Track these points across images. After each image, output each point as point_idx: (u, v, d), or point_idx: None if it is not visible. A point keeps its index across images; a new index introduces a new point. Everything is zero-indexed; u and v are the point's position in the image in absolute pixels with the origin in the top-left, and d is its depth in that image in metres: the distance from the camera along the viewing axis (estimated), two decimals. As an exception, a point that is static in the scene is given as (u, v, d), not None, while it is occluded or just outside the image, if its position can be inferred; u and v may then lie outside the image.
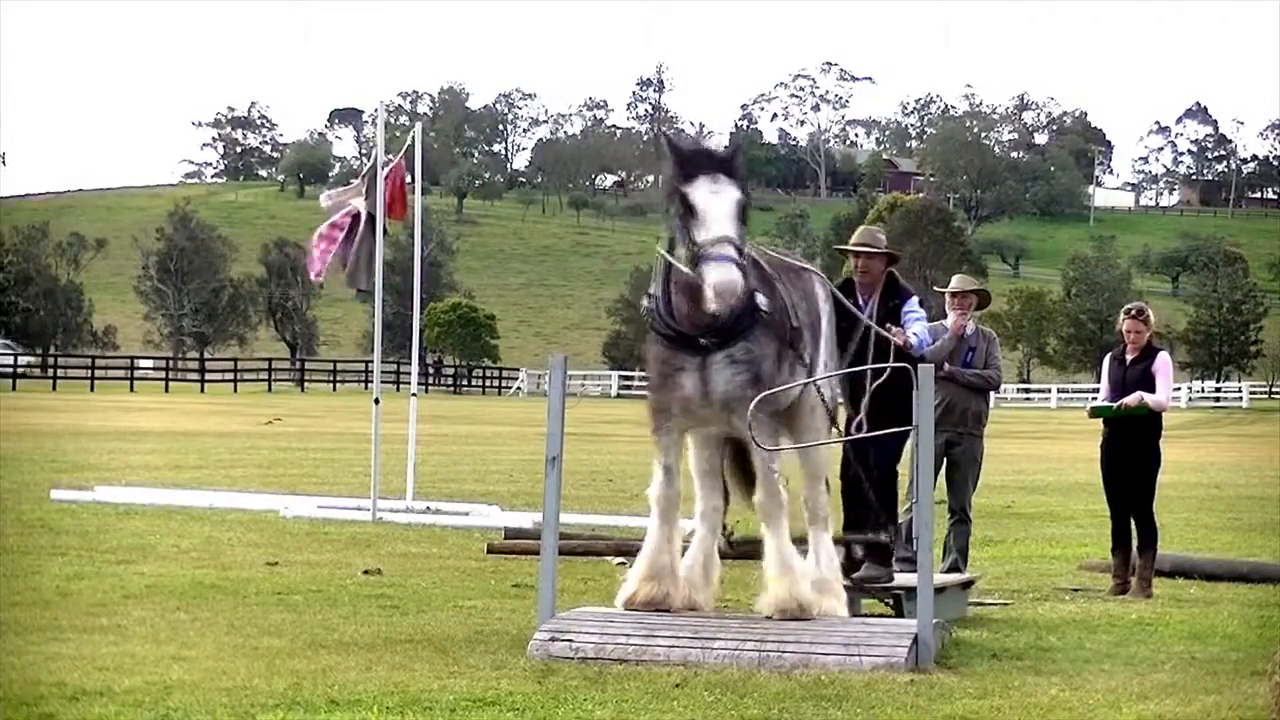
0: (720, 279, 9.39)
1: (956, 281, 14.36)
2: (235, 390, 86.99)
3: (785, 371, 10.19)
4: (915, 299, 11.77)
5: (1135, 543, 13.92)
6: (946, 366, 13.85)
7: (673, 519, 10.29)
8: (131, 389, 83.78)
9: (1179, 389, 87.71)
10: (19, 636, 9.84)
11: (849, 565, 11.48)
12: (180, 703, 8.03)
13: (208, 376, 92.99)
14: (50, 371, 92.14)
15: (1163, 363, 13.85)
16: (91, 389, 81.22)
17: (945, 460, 13.93)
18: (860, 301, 11.64)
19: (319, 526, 17.62)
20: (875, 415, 11.16)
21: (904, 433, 10.76)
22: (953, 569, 13.94)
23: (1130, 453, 13.82)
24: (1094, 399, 14.93)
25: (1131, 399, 13.79)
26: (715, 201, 9.68)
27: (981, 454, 14.17)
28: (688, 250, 9.64)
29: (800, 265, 11.07)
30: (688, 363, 9.91)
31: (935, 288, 15.16)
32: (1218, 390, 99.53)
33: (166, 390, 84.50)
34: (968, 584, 12.59)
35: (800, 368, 10.34)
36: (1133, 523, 13.90)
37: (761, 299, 9.97)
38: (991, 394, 14.42)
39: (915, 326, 11.57)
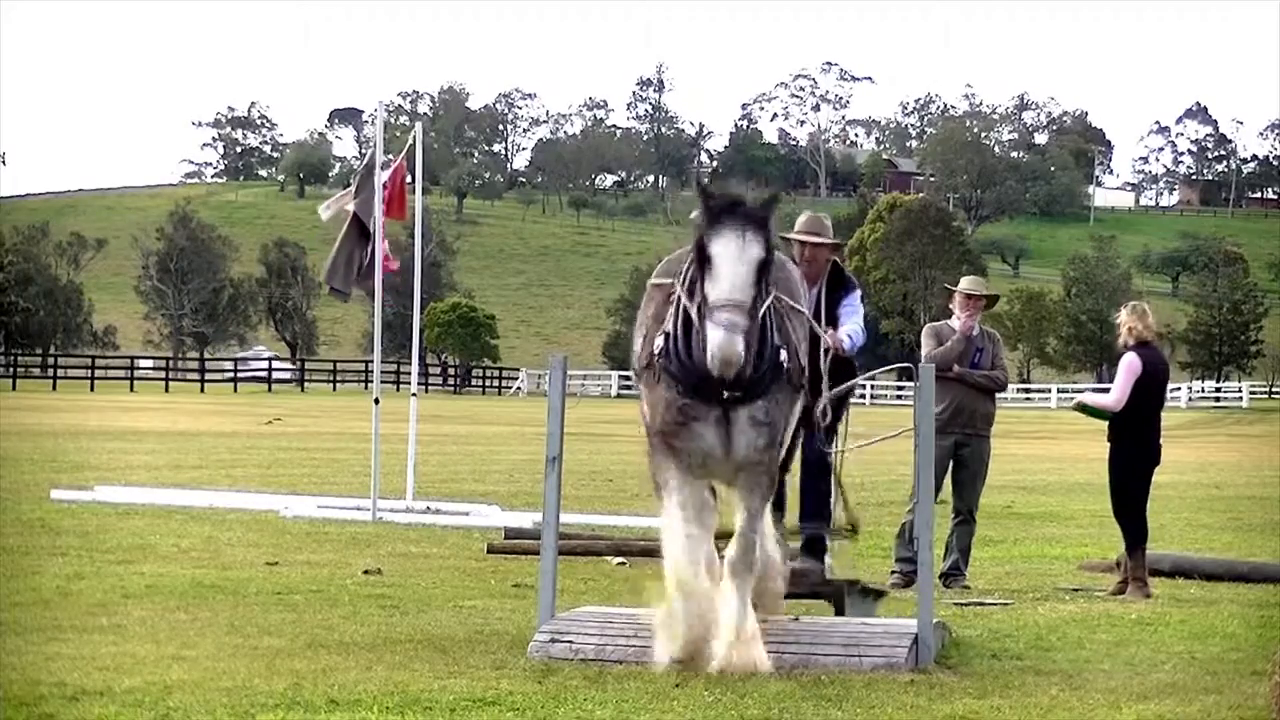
0: (720, 346, 8.98)
1: (968, 283, 14.43)
2: (235, 390, 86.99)
3: (793, 421, 9.97)
4: (858, 292, 11.50)
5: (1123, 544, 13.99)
6: (955, 368, 13.89)
7: (704, 594, 9.55)
8: (131, 389, 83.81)
9: (1178, 389, 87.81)
10: (19, 636, 9.84)
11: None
12: (180, 703, 8.03)
13: (208, 377, 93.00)
14: (50, 371, 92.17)
15: (1122, 364, 13.88)
16: (91, 389, 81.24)
17: (952, 461, 13.98)
18: (804, 290, 11.04)
19: (319, 526, 17.61)
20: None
21: (835, 425, 10.88)
22: (954, 569, 13.96)
23: (1115, 450, 13.93)
24: None
25: (1077, 399, 14.34)
26: (733, 258, 9.19)
27: (989, 455, 14.24)
28: (700, 303, 9.23)
29: (783, 261, 10.51)
30: (707, 414, 9.41)
31: (946, 285, 15.13)
32: (1218, 390, 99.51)
33: (166, 390, 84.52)
34: (878, 594, 11.86)
35: (800, 403, 10.08)
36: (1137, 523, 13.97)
37: (785, 356, 9.58)
38: (997, 394, 14.46)
39: (850, 325, 11.19)
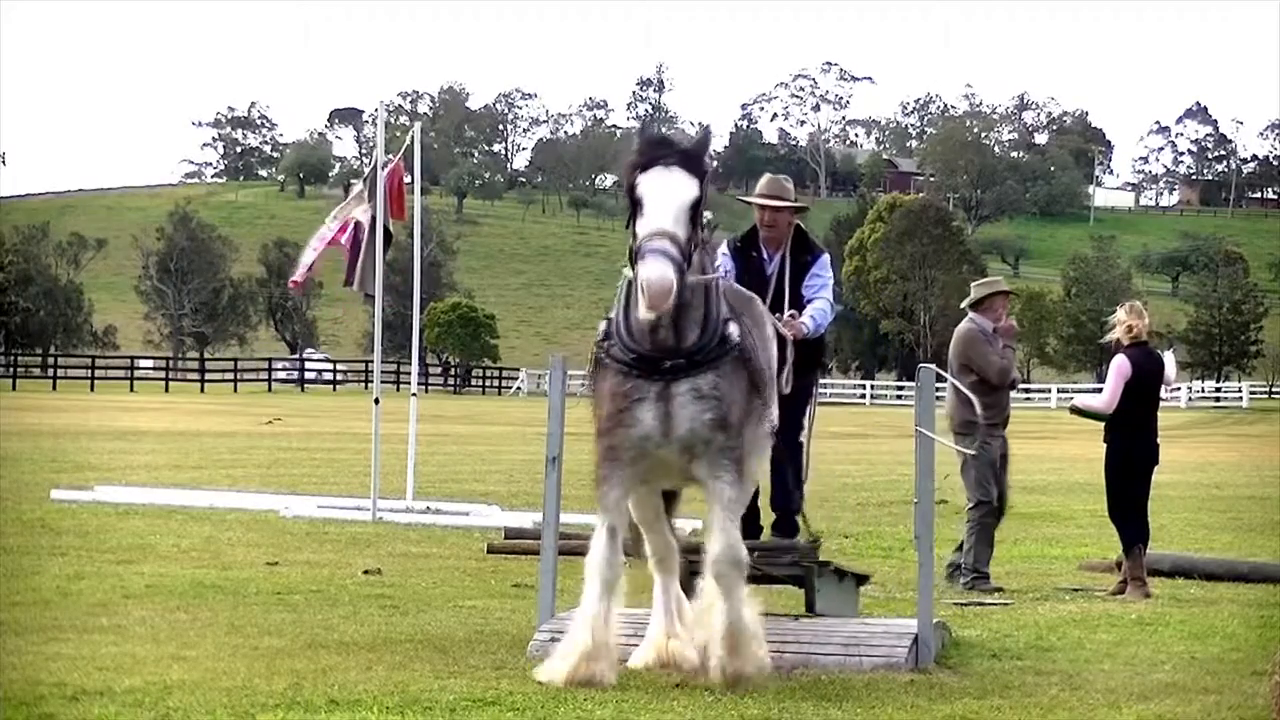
0: (649, 275, 8.36)
1: (991, 282, 14.56)
2: (235, 390, 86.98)
3: (754, 423, 9.12)
4: (825, 256, 10.94)
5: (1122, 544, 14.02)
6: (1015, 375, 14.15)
7: (614, 593, 8.88)
8: (131, 389, 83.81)
9: (1178, 389, 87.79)
10: (19, 636, 9.83)
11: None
12: (180, 703, 8.03)
13: (208, 376, 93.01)
14: (50, 371, 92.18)
15: (1112, 365, 13.92)
16: (91, 389, 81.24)
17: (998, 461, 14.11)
18: (765, 255, 10.82)
19: (319, 526, 17.61)
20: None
21: (806, 401, 10.67)
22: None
23: (1112, 450, 13.95)
24: None
25: (1070, 403, 14.51)
26: (661, 192, 8.65)
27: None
28: (631, 248, 8.67)
29: (739, 289, 10.00)
30: (647, 392, 8.72)
31: (975, 289, 15.14)
32: (1218, 390, 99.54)
33: (166, 390, 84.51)
34: (862, 579, 11.57)
35: (767, 417, 9.35)
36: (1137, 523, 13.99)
37: (734, 329, 8.94)
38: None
39: (814, 305, 10.67)
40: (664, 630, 9.46)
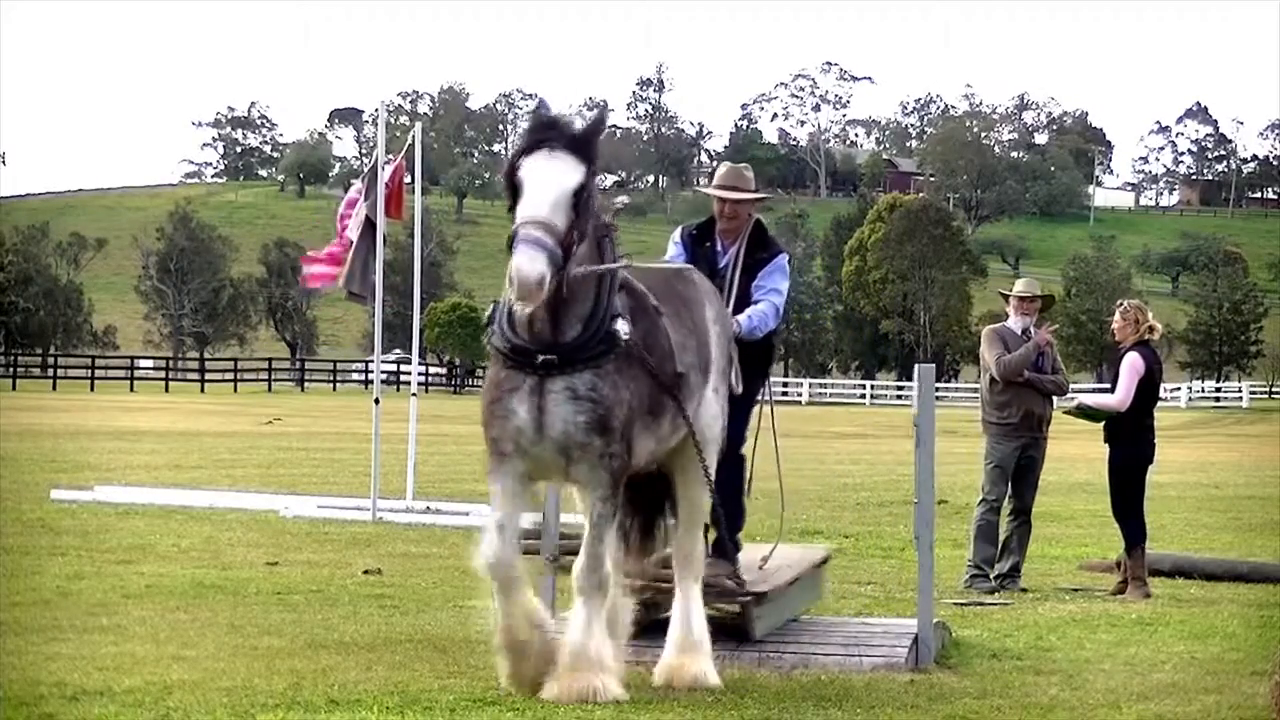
0: (518, 265, 7.87)
1: (1022, 285, 14.64)
2: (235, 390, 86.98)
3: (666, 425, 8.63)
4: (783, 257, 10.13)
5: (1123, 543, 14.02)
6: (1026, 374, 14.00)
7: (517, 588, 8.43)
8: (131, 389, 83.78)
9: (1178, 389, 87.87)
10: (19, 636, 9.84)
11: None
12: (180, 703, 8.03)
13: (208, 376, 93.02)
14: (50, 371, 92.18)
15: (1126, 361, 13.92)
16: (91, 389, 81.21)
17: (1016, 464, 14.05)
18: (720, 247, 10.08)
19: (319, 526, 17.61)
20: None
21: (748, 412, 9.89)
22: (1013, 571, 13.94)
23: (1113, 450, 13.97)
24: None
25: (1074, 402, 14.31)
26: (542, 178, 8.12)
27: (1045, 456, 14.35)
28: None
29: (676, 267, 9.55)
30: (521, 384, 8.29)
31: (1001, 291, 15.19)
32: (1218, 390, 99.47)
33: (166, 390, 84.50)
34: (824, 561, 10.99)
35: (680, 421, 8.69)
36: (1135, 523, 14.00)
37: (622, 325, 8.31)
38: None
39: (755, 308, 9.85)
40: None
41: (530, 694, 8.34)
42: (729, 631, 9.49)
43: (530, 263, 7.90)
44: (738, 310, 9.81)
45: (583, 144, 8.26)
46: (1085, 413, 14.18)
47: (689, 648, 8.87)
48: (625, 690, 8.38)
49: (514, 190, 8.20)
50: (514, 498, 8.48)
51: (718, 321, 9.24)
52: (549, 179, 8.14)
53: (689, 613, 8.97)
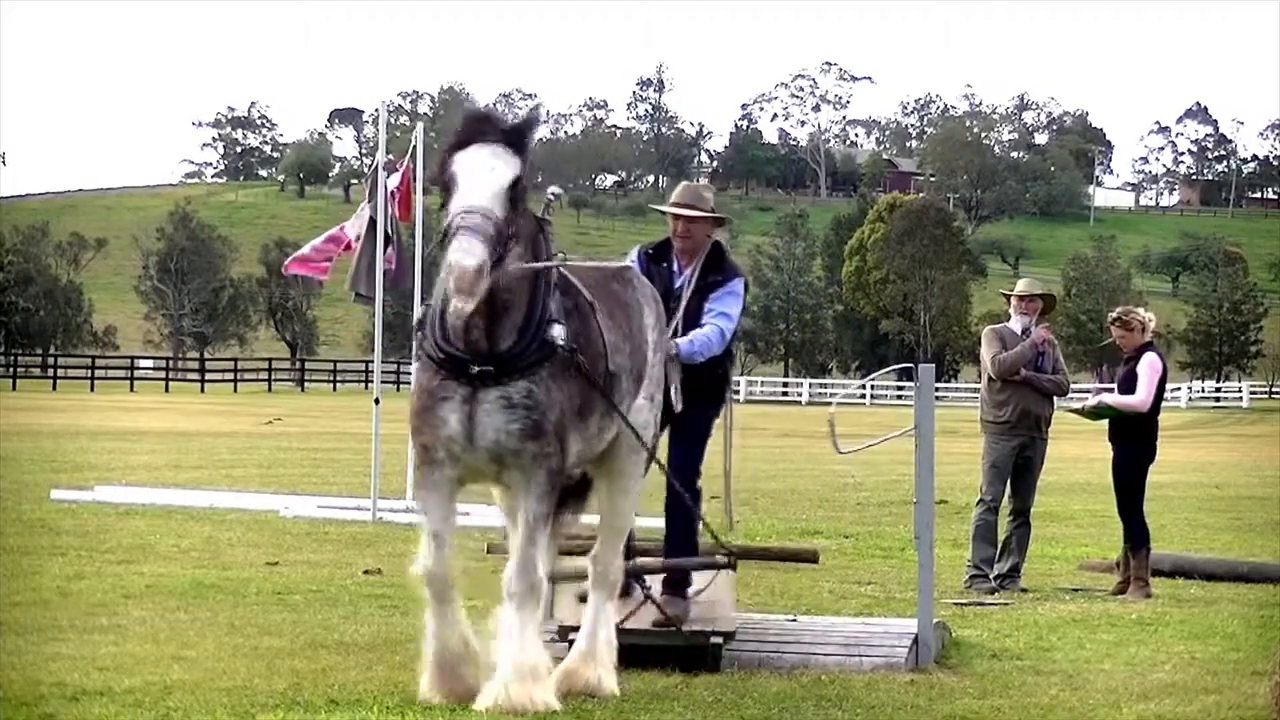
0: (457, 255, 7.64)
1: (1023, 285, 14.69)
2: (235, 390, 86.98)
3: (593, 425, 8.41)
4: (738, 281, 9.74)
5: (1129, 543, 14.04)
6: (1023, 372, 14.00)
7: (450, 599, 8.35)
8: (131, 389, 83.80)
9: (1178, 389, 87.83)
10: (19, 636, 9.83)
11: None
12: (180, 703, 8.03)
13: (208, 376, 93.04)
14: (50, 371, 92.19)
15: (1145, 363, 13.98)
16: (91, 389, 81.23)
17: (1014, 464, 14.05)
18: (677, 267, 9.73)
19: (319, 526, 17.60)
20: (674, 413, 9.38)
21: (703, 441, 9.55)
22: (1013, 571, 13.94)
23: (1118, 451, 14.01)
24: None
25: (1091, 401, 14.39)
26: (477, 169, 7.89)
27: (1044, 456, 14.32)
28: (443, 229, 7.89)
29: (617, 267, 9.24)
30: (454, 393, 8.03)
31: (1002, 291, 15.23)
32: (1218, 390, 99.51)
33: (166, 390, 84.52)
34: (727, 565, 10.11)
35: (609, 421, 8.51)
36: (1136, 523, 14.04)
37: (558, 331, 8.08)
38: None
39: (699, 331, 9.50)
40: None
41: (453, 704, 8.16)
42: (695, 665, 9.19)
43: (468, 253, 7.64)
44: (691, 325, 9.52)
45: (516, 137, 8.02)
46: (1102, 412, 14.18)
47: (590, 655, 8.68)
48: (560, 700, 8.17)
49: (447, 187, 7.96)
50: (447, 506, 8.38)
51: (656, 329, 9.03)
52: (486, 171, 7.90)
53: (596, 624, 8.80)
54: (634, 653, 9.02)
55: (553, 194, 8.54)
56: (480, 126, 8.03)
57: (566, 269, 8.44)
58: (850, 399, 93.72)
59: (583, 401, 8.27)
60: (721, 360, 9.66)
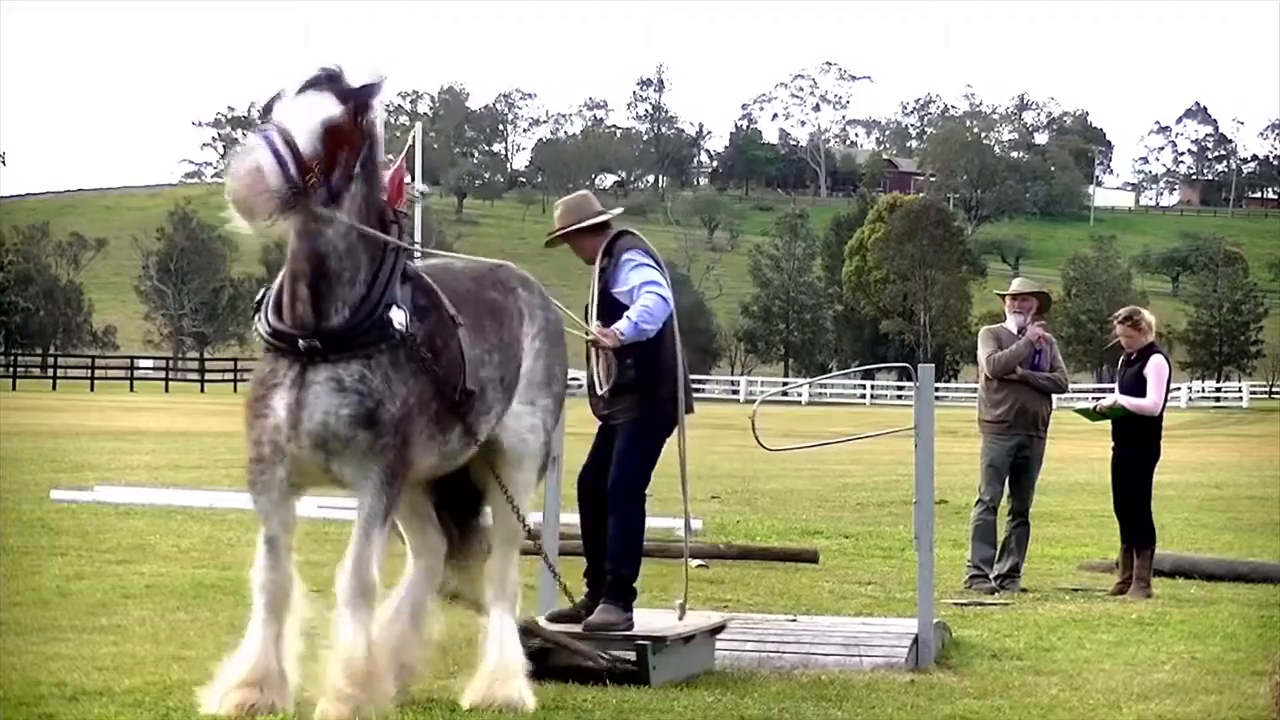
0: (235, 160, 7.24)
1: (1017, 284, 14.76)
2: (235, 390, 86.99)
3: (454, 440, 7.95)
4: (629, 253, 9.14)
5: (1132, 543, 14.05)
6: (1019, 370, 14.00)
7: (282, 611, 7.73)
8: (131, 389, 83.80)
9: (1178, 389, 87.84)
10: (19, 636, 9.83)
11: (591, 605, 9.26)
12: (180, 703, 8.02)
13: (208, 376, 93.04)
14: (50, 371, 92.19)
15: (1153, 365, 14.01)
16: (91, 389, 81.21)
17: (1012, 463, 14.05)
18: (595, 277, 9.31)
19: (319, 526, 17.56)
20: (611, 418, 9.23)
21: (656, 445, 9.18)
22: (1012, 571, 13.94)
23: (1124, 452, 14.04)
24: (1098, 398, 15.19)
25: (1105, 402, 14.35)
26: (293, 107, 7.35)
27: (1043, 456, 14.30)
28: None
29: (494, 265, 8.64)
30: (284, 378, 7.49)
31: (996, 293, 15.27)
32: (1218, 390, 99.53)
33: (166, 390, 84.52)
34: (718, 629, 9.70)
35: (469, 441, 8.03)
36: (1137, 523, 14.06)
37: (398, 315, 7.53)
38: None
39: (633, 309, 8.96)
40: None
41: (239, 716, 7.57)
42: (625, 678, 8.83)
43: (248, 154, 7.12)
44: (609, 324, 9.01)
45: (349, 89, 7.42)
46: (1113, 412, 14.17)
47: (501, 673, 8.20)
48: (396, 706, 7.76)
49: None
50: (281, 510, 7.78)
51: (541, 335, 8.49)
52: (302, 109, 7.36)
53: (502, 641, 8.36)
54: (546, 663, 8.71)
55: (420, 191, 8.22)
56: (313, 76, 7.48)
57: (435, 283, 7.92)
58: (850, 399, 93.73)
59: (441, 412, 7.79)
60: (658, 384, 9.14)
